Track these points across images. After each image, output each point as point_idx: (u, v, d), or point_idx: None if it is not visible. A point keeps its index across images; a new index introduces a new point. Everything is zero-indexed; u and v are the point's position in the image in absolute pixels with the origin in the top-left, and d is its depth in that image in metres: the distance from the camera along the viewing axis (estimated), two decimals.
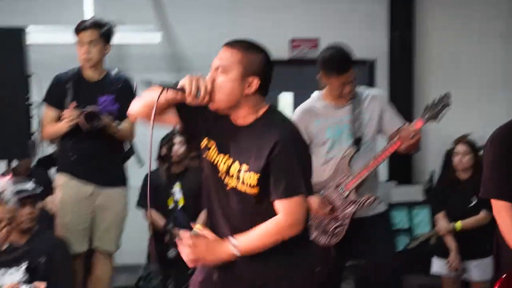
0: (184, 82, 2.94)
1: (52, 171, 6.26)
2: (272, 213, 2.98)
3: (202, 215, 5.49)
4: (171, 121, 3.14)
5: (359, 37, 7.28)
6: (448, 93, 4.29)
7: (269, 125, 2.99)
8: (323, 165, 4.49)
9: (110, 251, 5.04)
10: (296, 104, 8.87)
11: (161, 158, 5.84)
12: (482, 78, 8.10)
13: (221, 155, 3.07)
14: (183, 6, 7.75)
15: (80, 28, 4.83)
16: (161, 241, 5.53)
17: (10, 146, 4.85)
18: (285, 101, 9.10)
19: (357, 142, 4.42)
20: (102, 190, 4.91)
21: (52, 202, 5.55)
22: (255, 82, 2.98)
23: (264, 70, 3.01)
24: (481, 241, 5.28)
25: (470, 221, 5.38)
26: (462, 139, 5.62)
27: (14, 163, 6.06)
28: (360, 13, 7.96)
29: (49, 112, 4.87)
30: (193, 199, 5.58)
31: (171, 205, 5.65)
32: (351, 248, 4.57)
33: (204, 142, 3.13)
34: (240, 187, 3.01)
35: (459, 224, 5.39)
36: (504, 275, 3.29)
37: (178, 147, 5.88)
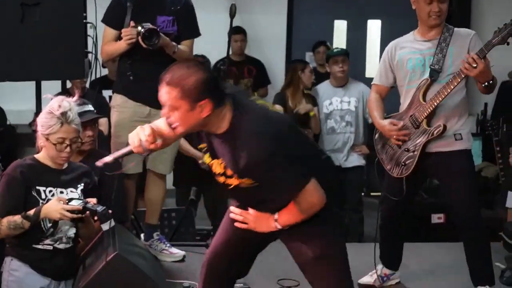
0: (130, 139, 3.15)
1: (106, 92, 6.30)
2: None
3: None
4: None
5: None
6: None
7: (235, 142, 3.05)
8: (404, 96, 4.48)
9: (163, 172, 5.05)
10: (383, 32, 8.69)
11: None
12: None
13: (215, 160, 3.21)
14: None
15: None
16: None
17: (65, 66, 4.81)
18: (373, 28, 8.90)
19: (435, 73, 4.31)
20: (159, 112, 4.77)
21: (105, 123, 5.60)
22: (206, 105, 3.01)
23: (209, 87, 3.02)
24: None
25: None
26: None
27: (68, 84, 6.13)
28: None
29: (108, 31, 4.80)
30: None
31: None
32: (423, 182, 4.79)
33: (202, 145, 3.31)
34: (241, 184, 3.16)
35: None
36: None
37: None
